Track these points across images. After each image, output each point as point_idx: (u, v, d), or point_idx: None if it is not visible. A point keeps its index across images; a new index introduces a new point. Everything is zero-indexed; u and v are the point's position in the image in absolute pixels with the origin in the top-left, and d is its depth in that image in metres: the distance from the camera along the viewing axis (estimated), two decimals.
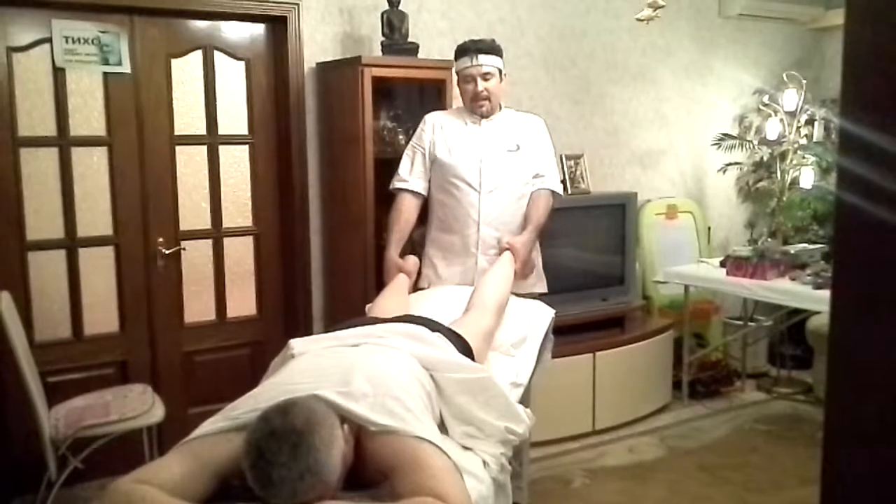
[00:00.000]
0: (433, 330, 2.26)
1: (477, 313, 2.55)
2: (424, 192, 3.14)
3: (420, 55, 3.69)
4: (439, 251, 3.15)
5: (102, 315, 3.53)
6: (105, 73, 3.42)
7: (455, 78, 3.19)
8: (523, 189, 3.11)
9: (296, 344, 2.16)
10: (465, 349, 2.26)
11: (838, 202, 0.81)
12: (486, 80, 3.03)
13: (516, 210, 3.10)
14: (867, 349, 0.82)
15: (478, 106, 3.08)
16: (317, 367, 1.93)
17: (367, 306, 3.03)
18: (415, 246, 3.30)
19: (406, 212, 3.10)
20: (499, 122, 3.13)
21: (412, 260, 3.09)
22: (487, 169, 3.04)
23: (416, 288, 3.08)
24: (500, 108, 3.17)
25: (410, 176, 3.12)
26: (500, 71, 3.08)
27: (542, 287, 3.25)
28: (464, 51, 3.06)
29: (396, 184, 3.14)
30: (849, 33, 0.79)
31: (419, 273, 3.13)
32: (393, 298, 2.84)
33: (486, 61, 3.02)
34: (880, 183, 0.74)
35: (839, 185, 0.80)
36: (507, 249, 2.96)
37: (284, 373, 1.97)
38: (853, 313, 0.82)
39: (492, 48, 3.05)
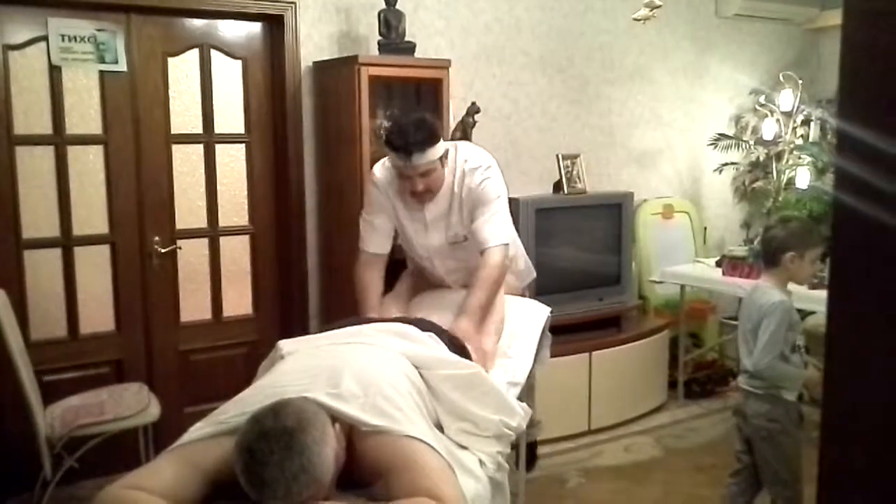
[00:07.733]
0: (424, 329, 2.25)
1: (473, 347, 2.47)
2: (383, 251, 2.83)
3: (417, 54, 3.69)
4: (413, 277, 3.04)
5: (98, 314, 3.52)
6: (101, 72, 3.41)
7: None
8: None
9: (284, 345, 2.15)
10: (458, 349, 2.26)
11: (836, 202, 0.81)
12: (425, 175, 2.60)
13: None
14: (864, 348, 0.82)
15: (417, 202, 2.71)
16: (305, 368, 1.91)
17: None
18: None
19: (366, 275, 2.80)
20: (440, 206, 2.73)
21: None
22: (437, 255, 2.83)
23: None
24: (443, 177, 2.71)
25: (366, 245, 2.82)
26: (441, 158, 2.62)
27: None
28: (392, 147, 2.57)
29: (360, 245, 2.86)
30: (846, 34, 0.79)
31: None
32: (391, 304, 2.81)
33: (421, 160, 2.54)
34: (878, 183, 0.74)
35: (837, 186, 0.81)
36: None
37: (272, 375, 1.96)
38: (850, 312, 0.82)
39: (425, 141, 2.53)
